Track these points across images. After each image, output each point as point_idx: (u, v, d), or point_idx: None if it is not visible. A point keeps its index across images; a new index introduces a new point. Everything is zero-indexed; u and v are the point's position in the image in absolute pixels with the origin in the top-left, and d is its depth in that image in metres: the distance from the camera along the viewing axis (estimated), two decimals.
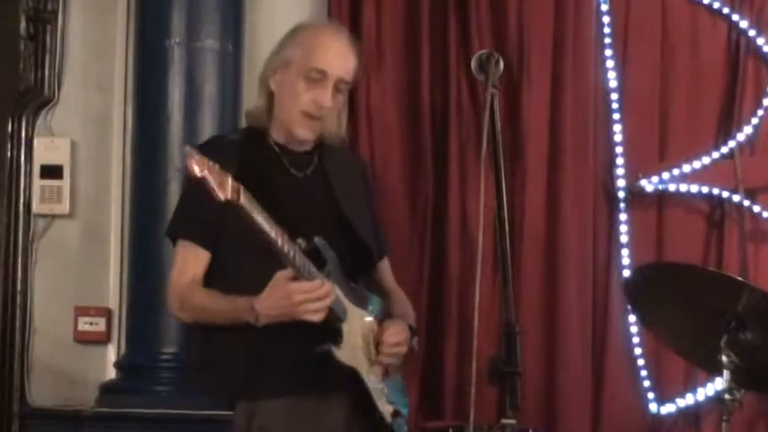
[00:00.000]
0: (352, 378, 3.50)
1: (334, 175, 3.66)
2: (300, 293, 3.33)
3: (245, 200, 3.23)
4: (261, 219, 3.27)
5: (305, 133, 3.58)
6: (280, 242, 3.30)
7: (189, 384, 3.73)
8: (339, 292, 3.47)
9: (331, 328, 3.43)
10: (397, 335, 3.58)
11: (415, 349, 3.71)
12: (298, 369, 3.43)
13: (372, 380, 3.54)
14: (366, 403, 3.54)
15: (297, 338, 3.40)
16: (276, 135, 3.61)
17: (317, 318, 3.36)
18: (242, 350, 3.45)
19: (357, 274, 3.66)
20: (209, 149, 3.57)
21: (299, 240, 3.38)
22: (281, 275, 3.34)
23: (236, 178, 3.22)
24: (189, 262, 3.53)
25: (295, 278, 3.35)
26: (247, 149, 3.56)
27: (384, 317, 3.65)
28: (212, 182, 3.17)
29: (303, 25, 3.73)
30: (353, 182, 3.74)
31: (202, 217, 3.47)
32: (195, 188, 3.28)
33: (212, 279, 3.54)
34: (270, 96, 3.60)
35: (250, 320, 3.38)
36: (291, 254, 3.33)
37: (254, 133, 3.63)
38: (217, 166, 3.19)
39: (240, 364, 3.47)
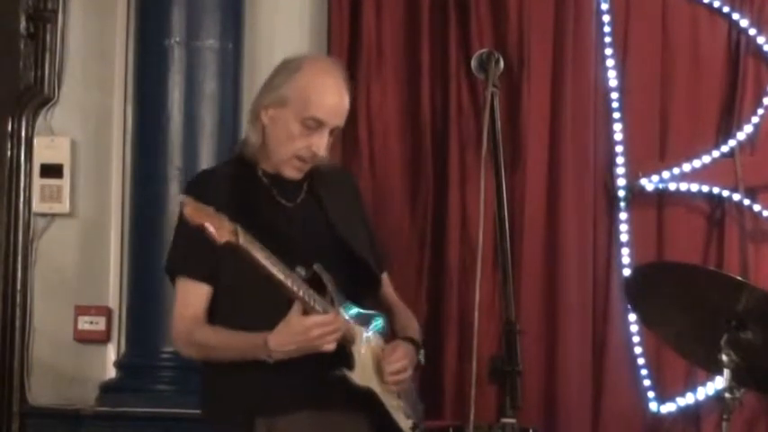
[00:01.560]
0: (369, 396, 3.49)
1: (326, 196, 3.63)
2: (317, 328, 3.33)
3: (243, 240, 3.23)
4: (261, 257, 3.27)
5: (295, 174, 3.57)
6: (283, 278, 3.30)
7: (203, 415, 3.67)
8: (346, 316, 3.48)
9: (343, 351, 3.43)
10: (398, 361, 3.54)
11: (421, 363, 3.68)
12: (318, 384, 3.41)
13: (388, 397, 3.53)
14: (387, 419, 3.54)
15: (315, 355, 3.38)
16: (266, 166, 3.58)
17: (331, 347, 3.36)
18: (259, 366, 3.39)
19: (361, 293, 3.62)
20: (199, 186, 3.56)
21: (299, 269, 3.37)
22: (295, 312, 3.33)
23: (232, 219, 3.21)
24: (190, 298, 3.50)
25: (306, 312, 3.34)
26: (238, 182, 3.54)
27: (388, 334, 3.63)
28: (210, 228, 3.17)
29: (298, 64, 3.58)
30: (346, 198, 3.71)
31: (199, 251, 3.39)
32: (188, 222, 3.29)
33: (215, 314, 3.51)
34: (262, 130, 3.55)
35: (262, 357, 3.36)
36: (296, 288, 3.33)
37: (244, 164, 3.60)
38: (212, 209, 3.19)
39: (258, 379, 3.42)
